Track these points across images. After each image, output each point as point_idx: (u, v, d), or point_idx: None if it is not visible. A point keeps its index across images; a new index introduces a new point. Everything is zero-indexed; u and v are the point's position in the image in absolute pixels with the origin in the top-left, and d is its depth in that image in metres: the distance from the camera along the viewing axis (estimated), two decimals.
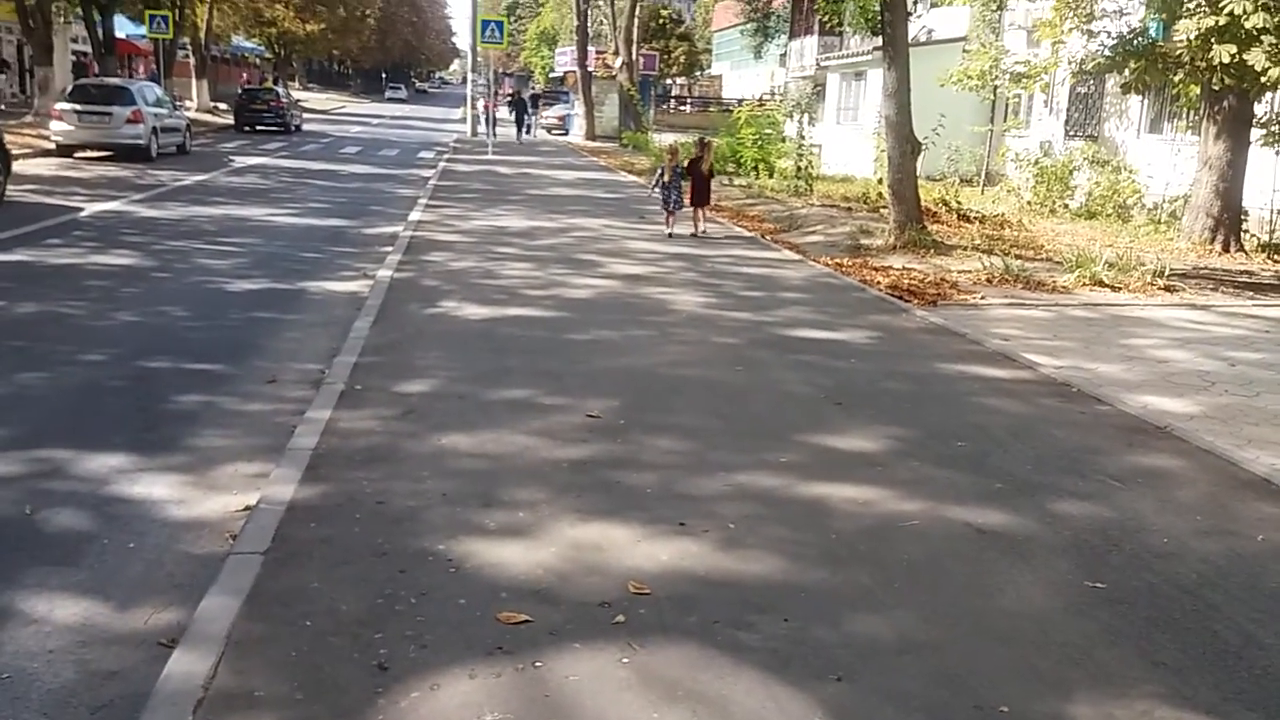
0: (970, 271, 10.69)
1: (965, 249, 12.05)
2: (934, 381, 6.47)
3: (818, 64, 31.18)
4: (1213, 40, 11.00)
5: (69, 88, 21.65)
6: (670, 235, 12.79)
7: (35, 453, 4.74)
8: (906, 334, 7.86)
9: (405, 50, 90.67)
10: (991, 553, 3.93)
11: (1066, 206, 17.43)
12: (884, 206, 13.78)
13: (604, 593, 3.42)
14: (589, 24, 38.95)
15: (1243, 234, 13.23)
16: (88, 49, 30.74)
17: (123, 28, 32.98)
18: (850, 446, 5.09)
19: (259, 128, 31.43)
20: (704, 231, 13.07)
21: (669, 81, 65.67)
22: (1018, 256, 11.43)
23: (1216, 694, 3.02)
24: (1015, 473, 4.81)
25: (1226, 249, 12.84)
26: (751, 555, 3.78)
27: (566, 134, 40.13)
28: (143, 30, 32.16)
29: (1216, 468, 5.04)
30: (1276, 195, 13.87)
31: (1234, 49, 10.80)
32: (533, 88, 60.87)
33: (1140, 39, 12.93)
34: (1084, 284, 10.25)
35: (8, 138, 14.62)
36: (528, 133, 35.94)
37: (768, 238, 13.40)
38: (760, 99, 39.37)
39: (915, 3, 25.19)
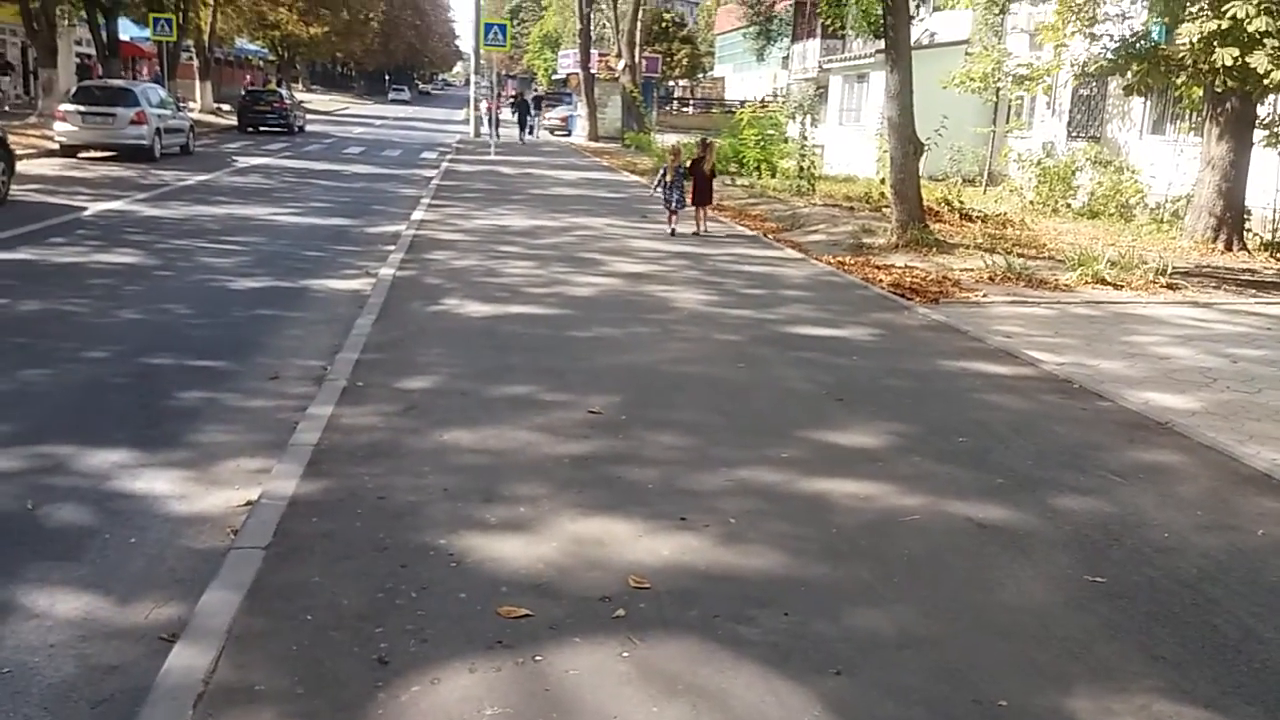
0: (972, 269, 10.68)
1: (967, 247, 12.05)
2: (936, 378, 6.46)
3: (820, 66, 31.19)
4: (1215, 43, 11.00)
5: (73, 89, 21.70)
6: (673, 234, 12.80)
7: (38, 448, 4.75)
8: (908, 331, 7.86)
9: (408, 53, 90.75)
10: (992, 547, 3.93)
11: (1069, 206, 17.43)
12: (886, 206, 13.78)
13: (604, 587, 3.42)
14: (592, 27, 38.98)
15: (1245, 233, 13.23)
16: (92, 51, 30.84)
17: (126, 30, 33.09)
18: (851, 442, 5.09)
19: (262, 129, 31.48)
20: (706, 230, 13.08)
21: (671, 84, 65.67)
22: (1020, 255, 11.42)
23: (1216, 688, 3.02)
24: (1016, 468, 4.81)
25: (1229, 248, 12.84)
26: (752, 550, 3.78)
27: (569, 135, 40.16)
28: (146, 33, 32.26)
29: (1217, 463, 5.04)
30: (1278, 195, 13.85)
31: (1236, 52, 10.80)
32: (536, 90, 60.94)
33: (1143, 42, 12.93)
34: (1086, 282, 10.24)
35: (12, 138, 14.65)
36: (531, 134, 35.99)
37: (770, 236, 13.41)
38: (763, 101, 39.40)
39: (918, 6, 25.15)
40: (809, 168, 19.41)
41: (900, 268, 10.77)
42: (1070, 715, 2.85)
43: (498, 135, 30.27)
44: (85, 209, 12.97)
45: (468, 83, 41.61)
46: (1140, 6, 13.87)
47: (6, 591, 3.46)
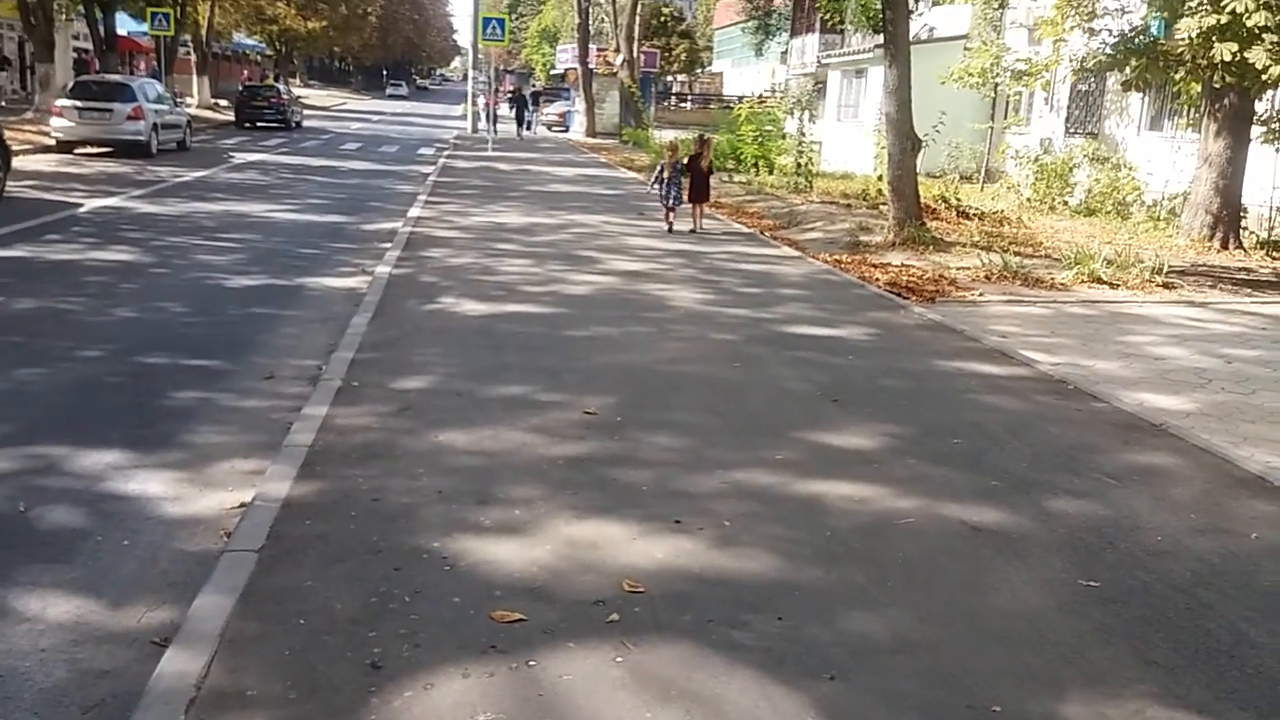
0: (969, 268, 10.68)
1: (964, 246, 12.04)
2: (931, 378, 6.46)
3: (819, 61, 31.16)
4: (1214, 38, 10.98)
5: (70, 84, 21.65)
6: (670, 231, 12.79)
7: (30, 449, 4.74)
8: (904, 331, 7.85)
9: (406, 47, 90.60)
10: (986, 551, 3.93)
11: (1066, 203, 17.42)
12: (883, 203, 13.76)
13: (598, 591, 3.42)
14: (590, 21, 38.91)
15: (1242, 231, 13.22)
16: (89, 46, 30.74)
17: (124, 25, 32.94)
18: (847, 444, 5.08)
19: (259, 124, 31.43)
20: (702, 228, 13.07)
21: (670, 78, 65.59)
22: (1016, 253, 11.41)
23: (1209, 693, 3.02)
24: (1011, 470, 4.81)
25: (1225, 246, 12.83)
26: (747, 553, 3.77)
27: (567, 131, 40.09)
28: (144, 27, 32.14)
29: (1212, 465, 5.04)
30: (1276, 192, 13.85)
31: (1235, 47, 10.79)
32: (534, 84, 60.85)
33: (1141, 37, 12.91)
34: (1082, 281, 10.24)
35: (8, 134, 14.60)
36: (528, 129, 35.92)
37: (767, 234, 13.40)
38: (761, 96, 39.33)
39: (917, 1, 25.16)
40: (807, 164, 19.39)
41: (897, 266, 10.76)
42: None
43: (495, 131, 30.23)
44: (81, 205, 12.94)
45: (466, 78, 41.55)
46: (1139, 1, 13.85)
47: None
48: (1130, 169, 16.84)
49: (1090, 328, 8.35)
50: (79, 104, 19.44)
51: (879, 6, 13.40)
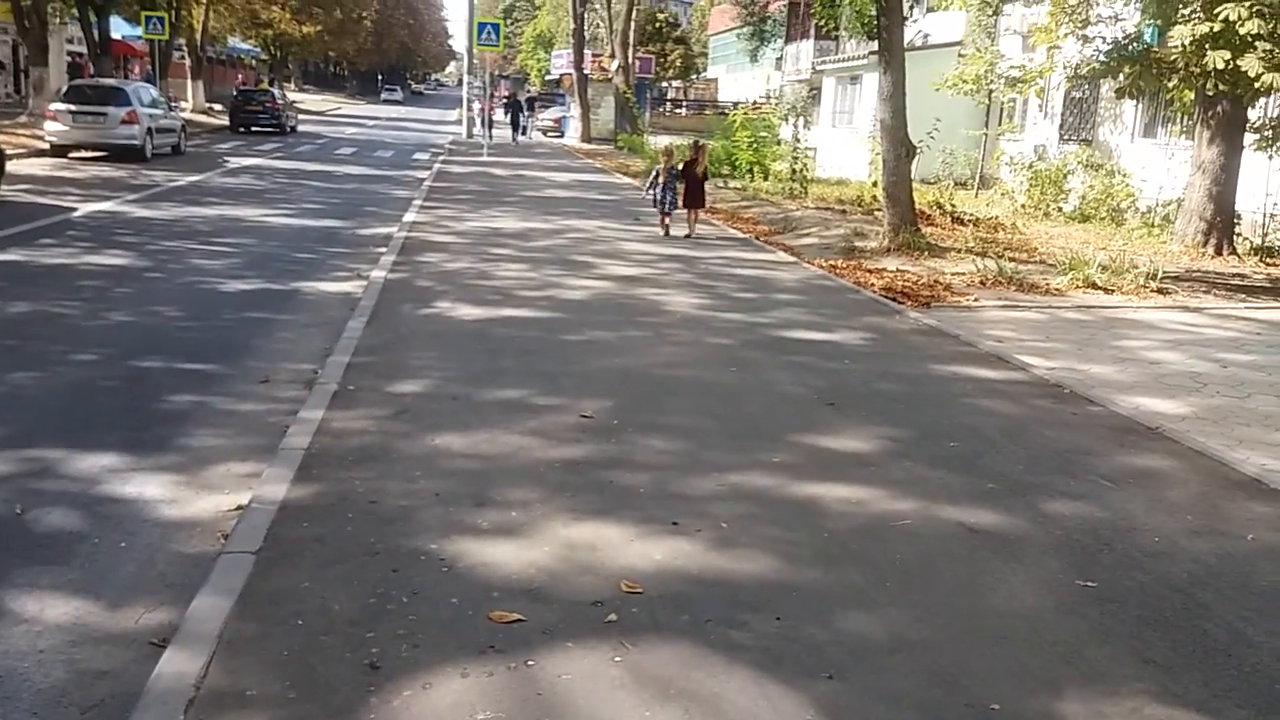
0: (964, 274, 10.71)
1: (959, 251, 12.08)
2: (927, 382, 6.48)
3: (813, 68, 31.25)
4: (1207, 46, 11.05)
5: (64, 88, 21.63)
6: (665, 237, 12.81)
7: (27, 452, 4.73)
8: (900, 335, 7.87)
9: (401, 52, 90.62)
10: (983, 552, 3.94)
11: (1060, 210, 17.49)
12: (878, 209, 13.80)
13: (597, 592, 3.42)
14: (585, 27, 38.97)
15: (1235, 237, 13.29)
16: (83, 50, 30.67)
17: (118, 29, 32.88)
18: (843, 447, 5.10)
19: (254, 129, 31.41)
20: (696, 233, 13.08)
21: (665, 84, 65.67)
22: (1011, 259, 11.46)
23: (1206, 691, 3.03)
24: (1007, 473, 4.82)
25: (1219, 252, 12.90)
26: (744, 554, 3.78)
27: (562, 136, 40.15)
28: (138, 31, 32.13)
29: (1207, 468, 5.06)
30: (1269, 199, 13.92)
31: (1228, 55, 10.85)
32: (529, 90, 60.92)
33: (1135, 44, 12.98)
34: (1077, 286, 10.28)
35: (2, 137, 14.61)
36: (523, 134, 35.97)
37: (762, 240, 13.42)
38: (756, 102, 39.42)
39: (911, 7, 25.24)
40: (801, 170, 19.44)
41: (892, 271, 10.79)
42: (1062, 719, 2.86)
43: (490, 136, 30.24)
44: (75, 210, 12.92)
45: (461, 83, 41.59)
46: (1133, 9, 13.92)
47: None
48: (1124, 175, 16.93)
49: (1085, 332, 8.38)
50: (73, 108, 19.42)
51: (874, 13, 13.44)
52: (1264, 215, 14.02)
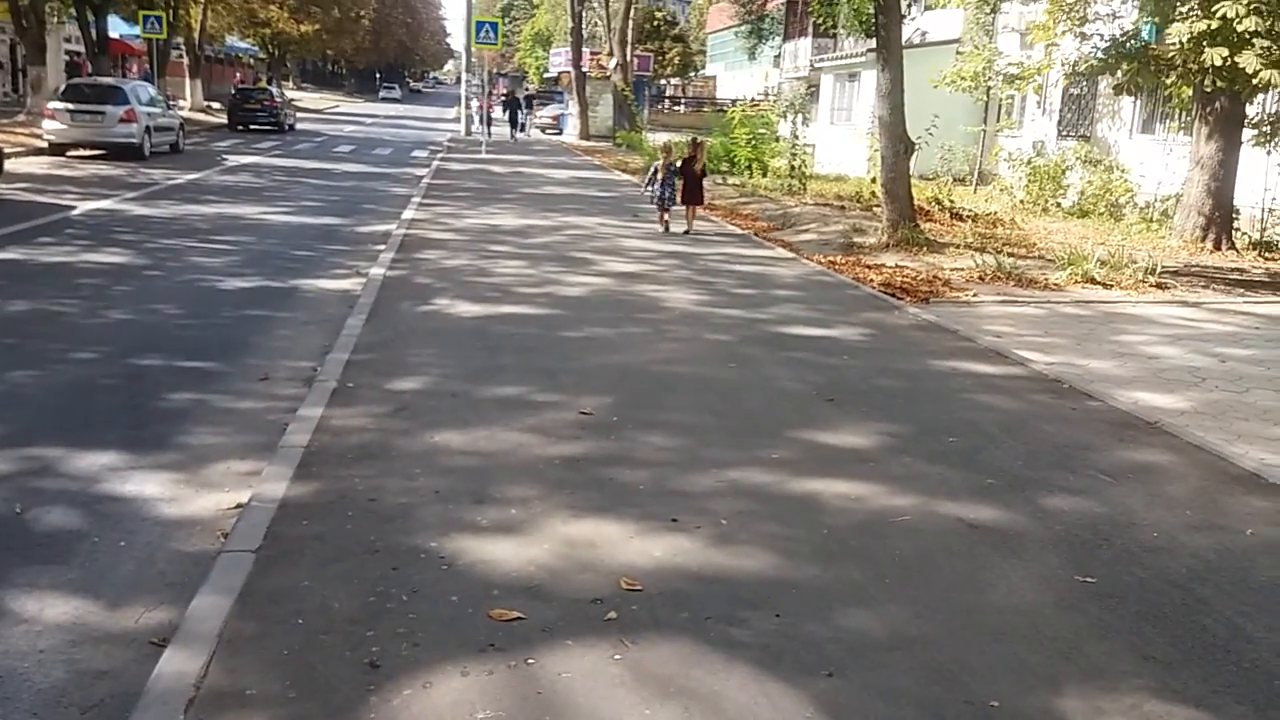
0: (963, 269, 10.71)
1: (958, 247, 12.08)
2: (926, 378, 6.48)
3: (812, 65, 31.22)
4: (1205, 43, 11.05)
5: (62, 87, 21.58)
6: (663, 233, 12.81)
7: (26, 451, 4.73)
8: (899, 331, 7.87)
9: (399, 51, 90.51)
10: (983, 548, 3.94)
11: (1059, 205, 17.49)
12: (877, 205, 13.80)
13: (596, 589, 3.42)
14: (584, 25, 38.91)
15: (1234, 232, 13.29)
16: (81, 49, 30.63)
17: (116, 27, 32.83)
18: (842, 443, 5.10)
19: (253, 127, 31.37)
20: (695, 230, 13.08)
21: (663, 82, 65.65)
22: (1010, 254, 11.46)
23: (1205, 687, 3.04)
24: (1006, 468, 4.82)
25: (1218, 247, 12.90)
26: (744, 551, 3.78)
27: (560, 134, 40.12)
28: (136, 30, 32.06)
29: (1206, 463, 5.06)
30: (1267, 194, 13.92)
31: (1226, 52, 10.85)
32: (527, 88, 60.84)
33: (1133, 42, 12.98)
34: (1076, 281, 10.28)
35: (0, 136, 14.56)
36: (522, 132, 35.94)
37: (761, 236, 13.42)
38: (754, 100, 39.40)
39: (909, 5, 25.21)
40: (800, 167, 19.43)
41: (891, 267, 10.79)
42: (1061, 715, 2.86)
43: (489, 134, 30.23)
44: (74, 208, 12.91)
45: (459, 81, 41.57)
46: (1131, 6, 13.92)
47: None
48: (1123, 171, 16.92)
49: (1084, 327, 8.38)
50: (71, 107, 19.39)
51: (871, 11, 13.43)
52: (1262, 210, 14.02)
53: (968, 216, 15.01)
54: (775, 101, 34.64)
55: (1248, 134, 12.84)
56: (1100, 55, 13.31)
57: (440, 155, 25.34)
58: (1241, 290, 10.50)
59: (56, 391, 5.66)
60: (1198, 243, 12.97)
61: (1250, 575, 3.82)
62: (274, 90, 35.16)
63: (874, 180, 15.90)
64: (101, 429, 5.06)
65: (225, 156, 22.36)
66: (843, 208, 16.25)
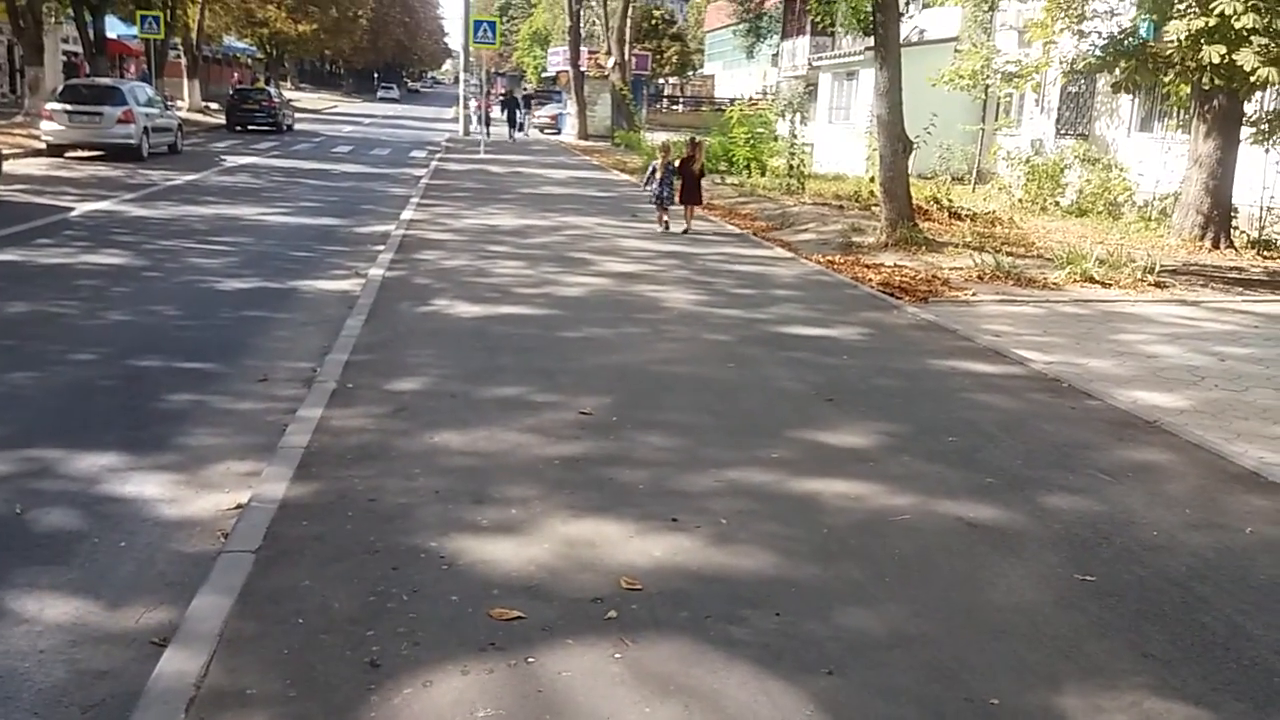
0: (961, 268, 10.72)
1: (957, 246, 12.08)
2: (925, 377, 6.48)
3: (810, 64, 31.24)
4: (1203, 41, 11.05)
5: (60, 88, 21.58)
6: (662, 233, 12.82)
7: (25, 452, 4.73)
8: (898, 330, 7.88)
9: (397, 50, 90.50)
10: (982, 547, 3.94)
11: (1058, 204, 17.49)
12: (876, 204, 13.80)
13: (596, 588, 3.43)
14: (581, 24, 38.92)
15: (1232, 231, 13.30)
16: (79, 49, 30.62)
17: (114, 28, 32.82)
18: (842, 442, 5.10)
19: (251, 127, 31.37)
20: (693, 230, 13.08)
21: (661, 81, 65.67)
22: (1009, 253, 11.47)
23: (1205, 685, 3.04)
24: (1006, 467, 4.83)
25: (1216, 245, 12.91)
26: (743, 550, 3.78)
27: (559, 133, 40.12)
28: (134, 30, 32.03)
29: (1206, 461, 5.07)
30: (1266, 192, 13.93)
31: (1224, 49, 10.85)
32: (525, 87, 60.86)
33: (1131, 39, 12.98)
34: (1075, 280, 10.29)
35: None
36: (521, 132, 35.94)
37: (760, 235, 13.42)
38: (752, 99, 39.42)
39: (907, 3, 25.22)
40: (799, 166, 19.43)
41: (889, 266, 10.80)
42: (1061, 713, 2.86)
43: (488, 134, 30.23)
44: (72, 209, 12.90)
45: (457, 81, 41.56)
46: (1129, 4, 13.92)
47: None
48: (1121, 170, 16.93)
49: (1083, 326, 8.39)
50: (69, 107, 19.39)
51: (869, 9, 13.44)
52: (1261, 209, 14.02)
53: (966, 215, 15.01)
54: (773, 100, 34.65)
55: (1246, 132, 12.85)
56: (1098, 53, 13.31)
57: (439, 155, 25.34)
58: (1240, 289, 10.51)
59: (56, 393, 5.66)
60: (1196, 241, 12.98)
61: (1250, 573, 3.82)
62: (272, 90, 35.15)
63: (872, 179, 15.90)
64: (101, 430, 5.06)
65: (223, 157, 22.35)
66: (841, 207, 16.26)
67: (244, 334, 7.15)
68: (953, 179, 20.10)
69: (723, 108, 36.01)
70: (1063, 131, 20.12)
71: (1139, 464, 4.99)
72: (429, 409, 5.29)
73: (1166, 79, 12.62)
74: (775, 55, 42.89)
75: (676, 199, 13.13)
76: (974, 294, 9.55)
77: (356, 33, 62.48)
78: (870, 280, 9.97)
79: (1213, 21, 10.80)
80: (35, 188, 14.92)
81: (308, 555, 3.59)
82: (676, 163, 13.18)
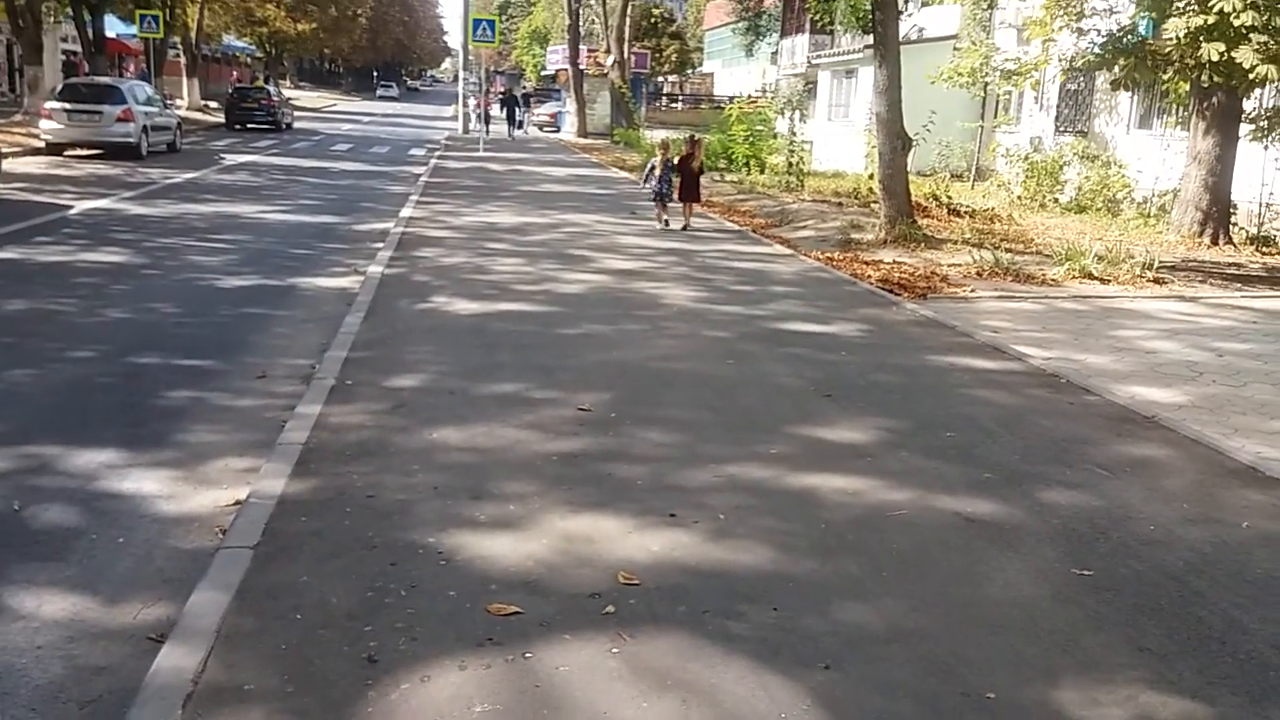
0: (960, 265, 10.72)
1: (955, 243, 12.08)
2: (924, 373, 6.49)
3: (809, 62, 31.22)
4: (1202, 38, 11.05)
5: (59, 86, 21.58)
6: (661, 230, 12.82)
7: (24, 449, 4.73)
8: (896, 327, 7.88)
9: (397, 49, 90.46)
10: (980, 542, 3.95)
11: (1056, 201, 17.50)
12: (875, 201, 13.80)
13: (594, 584, 3.43)
14: (581, 23, 38.90)
15: (1231, 227, 13.30)
16: (78, 48, 30.61)
17: (113, 27, 32.81)
18: (840, 438, 5.10)
19: (250, 126, 31.37)
20: (692, 227, 13.09)
21: (661, 79, 65.65)
22: (1008, 250, 11.47)
23: (1201, 678, 3.04)
24: (1004, 462, 4.83)
25: (1215, 242, 12.91)
26: (741, 545, 3.79)
27: (558, 131, 40.12)
28: (133, 29, 32.05)
29: (1203, 457, 5.07)
30: (1264, 189, 13.94)
31: (1223, 47, 10.85)
32: (525, 86, 60.85)
33: (1130, 37, 12.98)
34: (1073, 277, 10.29)
35: None
36: (520, 130, 35.93)
37: (759, 233, 13.42)
38: (752, 96, 39.39)
39: (906, 1, 25.22)
40: (798, 164, 19.44)
41: (888, 263, 10.80)
42: (1058, 707, 2.87)
43: (487, 132, 30.23)
44: (71, 207, 12.90)
45: (456, 79, 41.54)
46: (1128, 1, 13.91)
47: None
48: (1120, 166, 16.93)
49: (1082, 322, 8.39)
50: (68, 106, 19.39)
51: (868, 7, 13.44)
52: (1260, 205, 14.03)
53: (965, 212, 15.01)
54: (773, 98, 34.62)
55: (1245, 129, 12.84)
56: (1097, 51, 13.31)
57: (438, 153, 25.33)
58: (1239, 285, 10.51)
59: (54, 390, 5.66)
60: (1195, 238, 12.98)
61: (1246, 568, 3.83)
62: (271, 89, 35.14)
63: (872, 176, 15.90)
64: (99, 427, 5.06)
65: (223, 155, 22.35)
66: (840, 204, 16.25)
67: (243, 331, 7.15)
68: (952, 176, 20.11)
69: (722, 106, 35.97)
70: (1062, 128, 20.12)
71: (1137, 459, 4.99)
72: (428, 405, 5.30)
73: (1165, 76, 12.62)
74: (774, 53, 42.87)
75: (676, 196, 13.13)
76: (973, 290, 9.56)
77: (356, 31, 62.45)
78: (869, 277, 9.97)
79: (1212, 19, 10.80)
80: (34, 186, 14.93)
81: (306, 551, 3.60)
82: (676, 160, 13.18)
